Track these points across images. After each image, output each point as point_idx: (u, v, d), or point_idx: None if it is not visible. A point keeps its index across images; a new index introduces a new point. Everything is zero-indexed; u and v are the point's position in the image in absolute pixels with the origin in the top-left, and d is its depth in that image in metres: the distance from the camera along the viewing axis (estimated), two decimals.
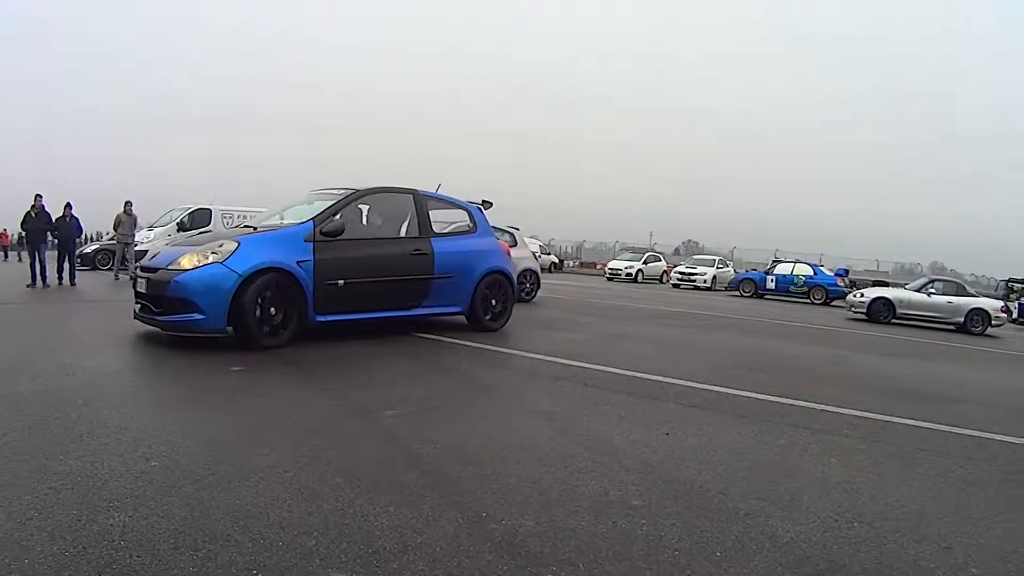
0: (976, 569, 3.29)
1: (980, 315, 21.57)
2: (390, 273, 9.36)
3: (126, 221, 20.47)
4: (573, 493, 3.87)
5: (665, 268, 43.59)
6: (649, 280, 41.52)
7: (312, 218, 8.73)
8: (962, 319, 21.47)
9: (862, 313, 22.06)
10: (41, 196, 16.95)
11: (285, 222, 9.10)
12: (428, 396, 6.18)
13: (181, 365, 6.86)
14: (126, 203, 20.65)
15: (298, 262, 8.28)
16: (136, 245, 23.07)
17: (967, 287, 23.80)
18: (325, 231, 8.60)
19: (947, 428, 6.35)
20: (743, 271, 40.21)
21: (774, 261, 38.10)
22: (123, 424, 4.62)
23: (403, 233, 10.00)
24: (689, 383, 7.43)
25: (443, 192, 10.85)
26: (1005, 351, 16.67)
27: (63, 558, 2.74)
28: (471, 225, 10.97)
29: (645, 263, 42.22)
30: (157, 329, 8.19)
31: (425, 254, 9.76)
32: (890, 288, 22.55)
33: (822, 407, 6.74)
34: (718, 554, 3.22)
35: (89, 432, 4.38)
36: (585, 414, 5.86)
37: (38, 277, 16.45)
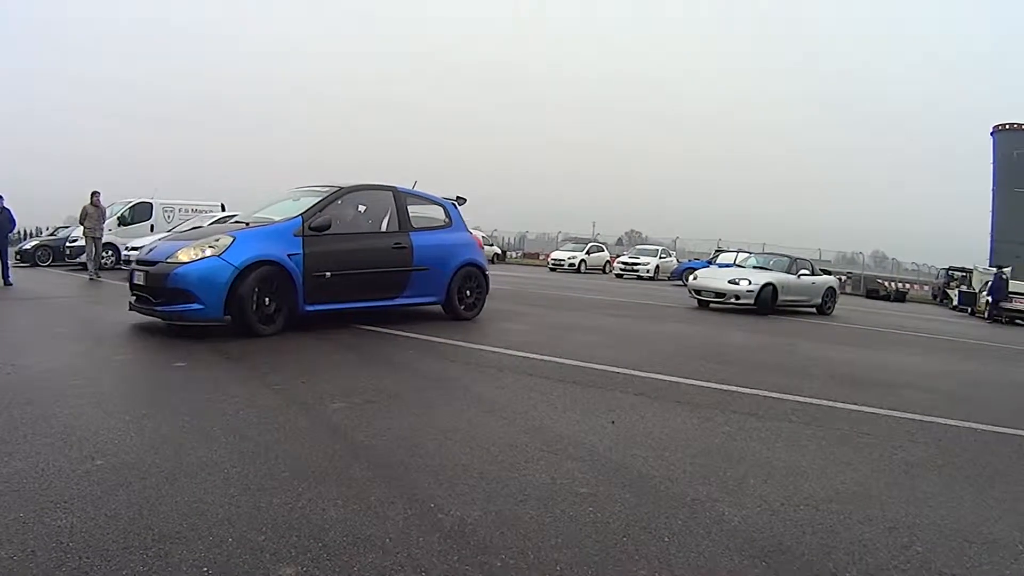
0: (921, 547, 3.38)
1: (832, 293, 20.38)
2: (372, 265, 9.95)
3: (93, 213, 18.46)
4: (521, 482, 3.91)
5: (608, 258, 43.83)
6: (592, 270, 41.65)
7: (301, 214, 9.31)
8: (820, 300, 19.77)
9: (749, 303, 17.43)
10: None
11: (276, 218, 9.53)
12: (373, 388, 6.18)
13: (124, 362, 6.78)
14: (93, 193, 18.54)
15: (289, 255, 8.87)
16: (76, 239, 22.60)
17: (813, 264, 21.40)
18: (313, 226, 9.19)
19: (890, 412, 6.47)
20: (686, 261, 40.34)
21: (717, 251, 38.29)
22: (67, 423, 4.56)
23: (384, 228, 10.56)
24: (634, 372, 7.52)
25: (419, 189, 11.51)
26: (935, 337, 17.00)
27: (11, 562, 2.71)
28: (446, 220, 11.46)
29: (588, 253, 42.33)
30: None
31: (404, 247, 10.37)
32: (769, 272, 18.67)
33: (766, 394, 6.85)
34: (666, 539, 3.27)
35: (33, 432, 4.32)
36: (531, 404, 5.91)
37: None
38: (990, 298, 27.59)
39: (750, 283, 17.53)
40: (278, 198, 10.72)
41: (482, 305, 11.89)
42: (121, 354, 7.09)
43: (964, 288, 36.00)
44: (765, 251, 31.39)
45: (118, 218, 22.81)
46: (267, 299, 8.65)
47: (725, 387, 7.05)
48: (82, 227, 18.80)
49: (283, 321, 8.86)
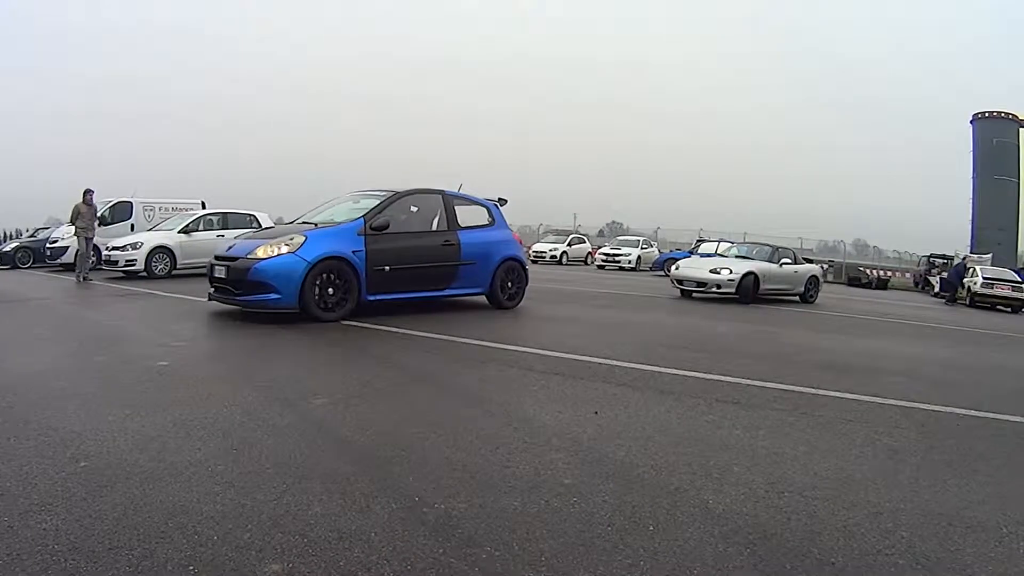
0: (905, 532, 3.41)
1: (815, 282, 20.28)
2: (425, 260, 11.25)
3: (87, 212, 17.64)
4: (505, 474, 3.93)
5: (590, 250, 43.81)
6: (574, 262, 41.37)
7: (363, 215, 10.60)
8: (803, 288, 19.72)
9: (730, 292, 17.44)
10: None
11: (340, 219, 10.86)
12: (356, 383, 6.21)
13: (106, 363, 6.75)
14: (86, 192, 17.72)
15: (353, 251, 10.13)
16: (57, 240, 22.31)
17: (795, 252, 21.30)
18: (374, 226, 10.44)
19: (873, 399, 6.50)
20: (668, 251, 40.34)
21: (698, 241, 38.29)
22: (50, 425, 4.54)
23: (435, 227, 11.85)
24: (617, 362, 7.54)
25: (465, 191, 12.78)
26: (917, 323, 17.09)
27: None
28: (490, 219, 12.78)
29: (569, 245, 42.15)
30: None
31: (453, 244, 11.65)
32: (751, 261, 18.60)
33: (749, 382, 6.88)
34: (651, 528, 3.30)
35: (16, 435, 4.30)
36: (514, 396, 5.94)
37: None
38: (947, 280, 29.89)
39: (731, 272, 17.50)
40: (336, 201, 12.12)
41: (522, 296, 13.13)
42: (102, 355, 7.07)
43: (945, 275, 36.20)
44: (747, 240, 31.36)
45: (98, 218, 22.43)
46: (331, 290, 9.88)
47: (708, 376, 7.08)
48: (74, 227, 18.02)
49: (349, 309, 10.04)
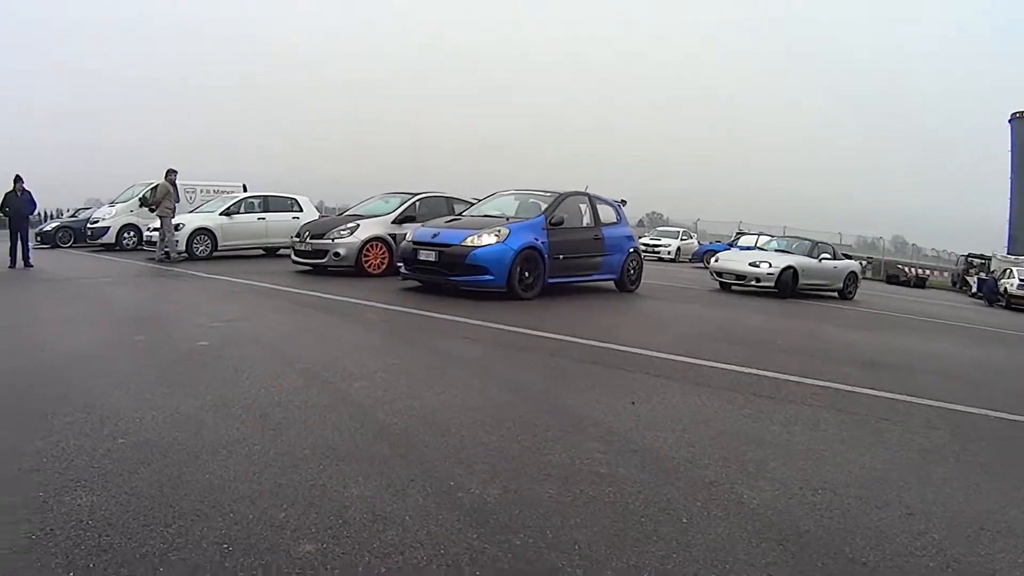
0: (937, 534, 3.36)
1: (854, 278, 19.97)
2: (584, 251, 13.35)
3: (172, 192, 17.39)
4: (540, 462, 3.92)
5: None
6: None
7: (543, 212, 12.56)
8: (841, 284, 19.44)
9: (769, 286, 17.36)
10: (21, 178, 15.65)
11: (512, 213, 13.05)
12: (394, 367, 6.19)
13: (148, 343, 6.82)
14: (170, 171, 17.62)
15: (541, 242, 12.03)
16: (98, 220, 22.43)
17: (834, 248, 20.93)
18: (552, 222, 12.40)
19: (908, 398, 6.41)
20: (707, 243, 40.09)
21: (738, 233, 37.92)
22: (88, 402, 4.59)
23: (584, 223, 13.68)
24: (655, 353, 7.50)
25: (591, 191, 14.60)
26: (953, 323, 16.90)
27: (30, 540, 2.73)
28: (617, 217, 14.75)
29: None
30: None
31: (600, 238, 13.70)
32: (790, 255, 18.48)
33: (786, 377, 6.81)
34: (684, 520, 3.27)
35: (54, 411, 4.35)
36: (552, 384, 5.95)
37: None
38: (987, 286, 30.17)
39: (771, 266, 17.36)
40: (499, 196, 14.39)
41: (639, 282, 15.19)
42: (145, 335, 7.14)
43: (983, 275, 35.70)
44: (786, 234, 31.00)
45: (140, 199, 22.46)
46: (527, 273, 11.80)
47: (745, 370, 7.02)
48: (159, 206, 17.34)
49: (538, 291, 12.04)
